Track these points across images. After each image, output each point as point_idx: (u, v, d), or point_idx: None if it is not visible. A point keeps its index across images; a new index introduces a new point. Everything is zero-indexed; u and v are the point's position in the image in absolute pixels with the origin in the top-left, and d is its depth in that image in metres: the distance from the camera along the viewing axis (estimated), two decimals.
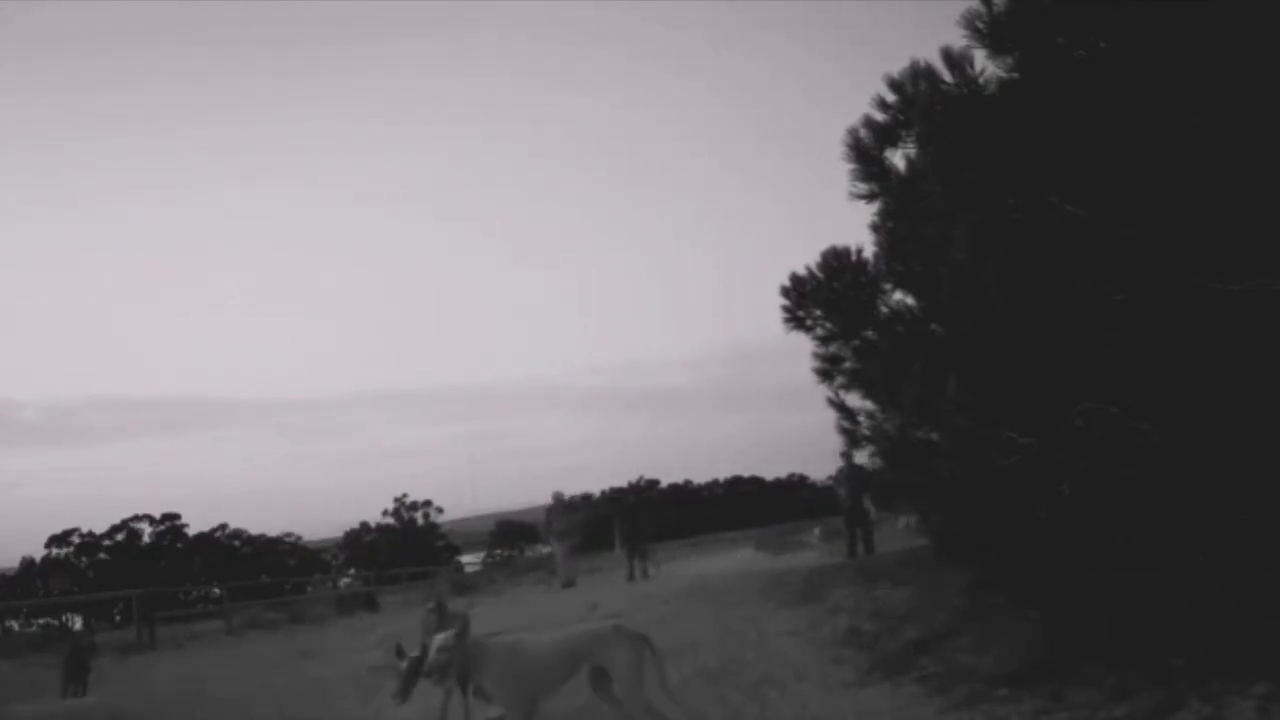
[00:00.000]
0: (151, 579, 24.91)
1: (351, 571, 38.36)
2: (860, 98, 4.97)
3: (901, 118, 4.91)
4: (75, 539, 45.21)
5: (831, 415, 6.82)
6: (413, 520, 51.92)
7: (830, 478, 14.66)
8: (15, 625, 22.85)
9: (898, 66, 4.82)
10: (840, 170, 5.37)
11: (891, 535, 13.64)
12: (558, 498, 16.44)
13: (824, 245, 6.93)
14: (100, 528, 45.56)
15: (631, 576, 15.61)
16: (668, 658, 6.53)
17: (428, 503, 52.46)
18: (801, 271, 7.04)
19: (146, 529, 46.09)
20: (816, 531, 20.24)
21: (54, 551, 44.59)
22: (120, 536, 45.67)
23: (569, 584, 15.38)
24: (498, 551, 49.62)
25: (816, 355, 6.91)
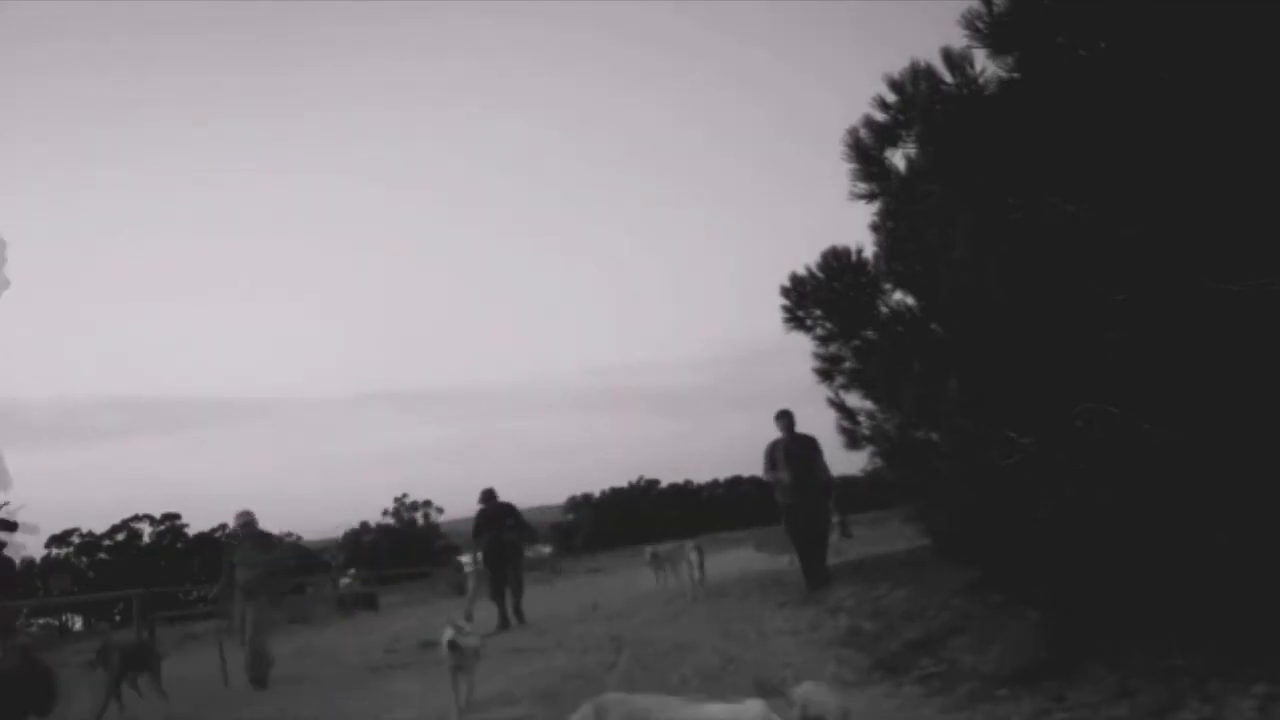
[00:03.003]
0: (151, 579, 24.93)
1: (351, 571, 38.33)
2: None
3: (901, 118, 4.91)
4: (75, 539, 45.26)
5: (832, 415, 6.83)
6: (413, 520, 51.96)
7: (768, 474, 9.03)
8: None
9: (900, 67, 4.82)
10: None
11: (891, 535, 12.90)
12: (244, 520, 9.14)
13: (835, 242, 6.94)
14: (100, 527, 45.66)
15: (505, 623, 10.70)
16: (667, 657, 6.54)
17: (428, 503, 52.55)
18: (801, 271, 7.04)
19: (146, 529, 46.15)
20: (648, 552, 12.32)
21: (54, 551, 44.64)
22: (120, 536, 45.73)
23: (259, 681, 8.22)
24: None
25: (816, 355, 6.92)
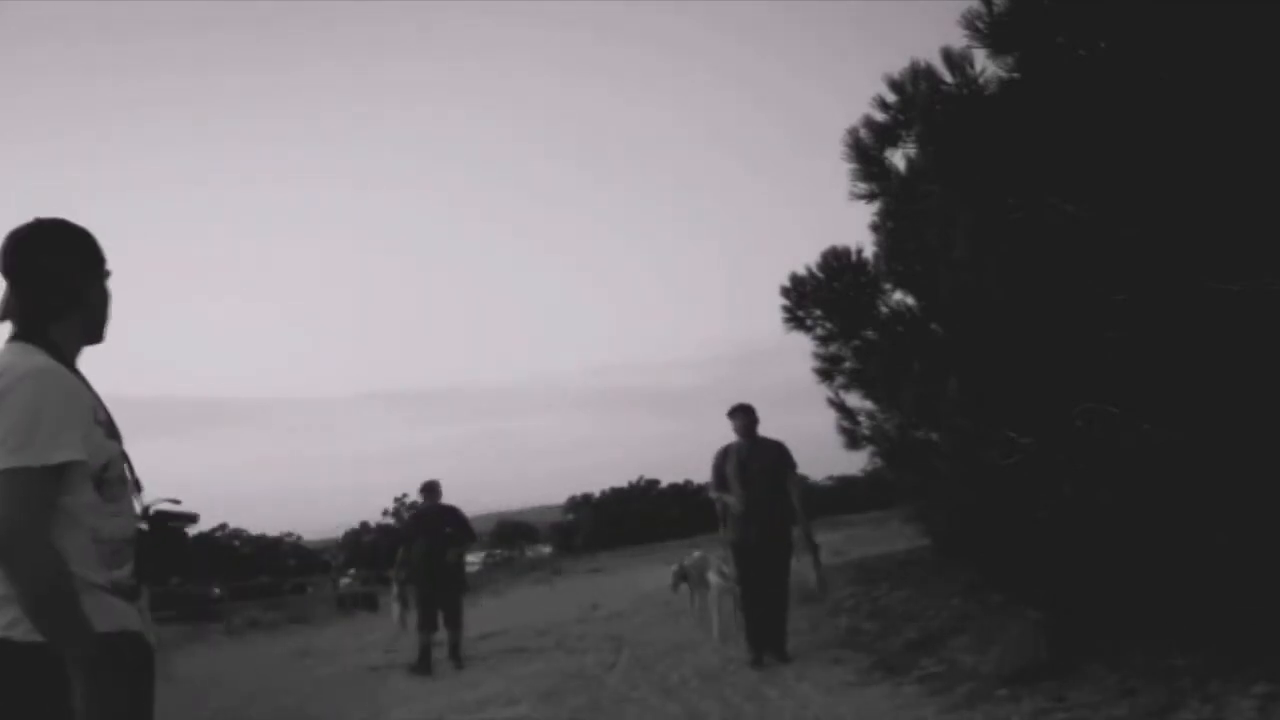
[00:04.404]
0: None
1: (351, 571, 38.36)
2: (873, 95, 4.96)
3: (901, 118, 4.91)
4: None
5: (832, 415, 6.83)
6: None
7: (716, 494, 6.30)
8: None
9: (900, 66, 4.82)
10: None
11: (891, 535, 12.73)
12: None
13: (835, 242, 6.93)
14: None
15: (426, 664, 7.59)
16: (667, 657, 6.55)
17: None
18: (801, 272, 7.04)
19: (145, 528, 46.09)
20: (676, 569, 8.41)
21: None
22: None
23: None
24: (498, 551, 49.67)
25: (817, 355, 6.92)
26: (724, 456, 6.15)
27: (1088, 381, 3.66)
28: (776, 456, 6.06)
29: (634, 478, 59.34)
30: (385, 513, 53.19)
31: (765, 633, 5.86)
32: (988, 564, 5.56)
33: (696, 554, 8.51)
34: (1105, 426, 3.54)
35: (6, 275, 1.67)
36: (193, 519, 1.83)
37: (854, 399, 6.65)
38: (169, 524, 1.80)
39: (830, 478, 41.75)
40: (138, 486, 1.77)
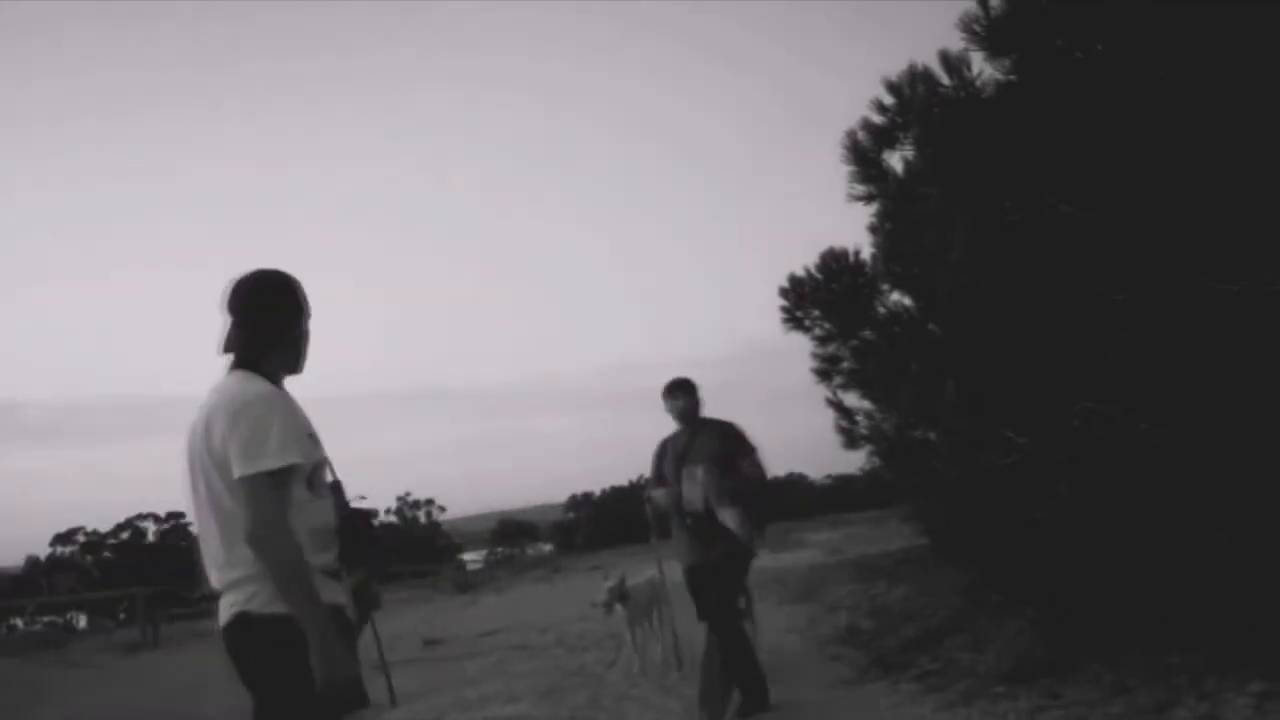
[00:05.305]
0: (156, 578, 24.90)
1: None
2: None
3: (899, 120, 4.92)
4: (80, 537, 45.36)
5: (830, 415, 6.83)
6: (415, 519, 52.01)
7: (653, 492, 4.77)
8: (20, 624, 22.88)
9: (899, 69, 4.82)
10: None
11: (889, 534, 12.67)
12: None
13: (834, 244, 6.93)
14: (105, 526, 45.72)
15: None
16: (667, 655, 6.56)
17: (430, 501, 52.56)
18: (800, 272, 7.05)
19: (151, 528, 46.16)
20: (605, 589, 6.16)
21: (59, 550, 44.72)
22: (125, 535, 45.79)
23: None
24: (499, 549, 49.73)
25: (815, 355, 6.93)
26: (662, 452, 4.74)
27: (1086, 381, 3.68)
28: (721, 440, 4.55)
29: (634, 477, 59.35)
30: (388, 511, 53.27)
31: (716, 677, 4.37)
32: (985, 563, 5.57)
33: (647, 574, 6.40)
34: (1104, 426, 3.56)
35: (233, 314, 2.06)
36: (373, 514, 2.22)
37: (852, 399, 6.66)
38: (360, 519, 2.17)
39: (829, 477, 41.84)
40: (339, 486, 2.11)
